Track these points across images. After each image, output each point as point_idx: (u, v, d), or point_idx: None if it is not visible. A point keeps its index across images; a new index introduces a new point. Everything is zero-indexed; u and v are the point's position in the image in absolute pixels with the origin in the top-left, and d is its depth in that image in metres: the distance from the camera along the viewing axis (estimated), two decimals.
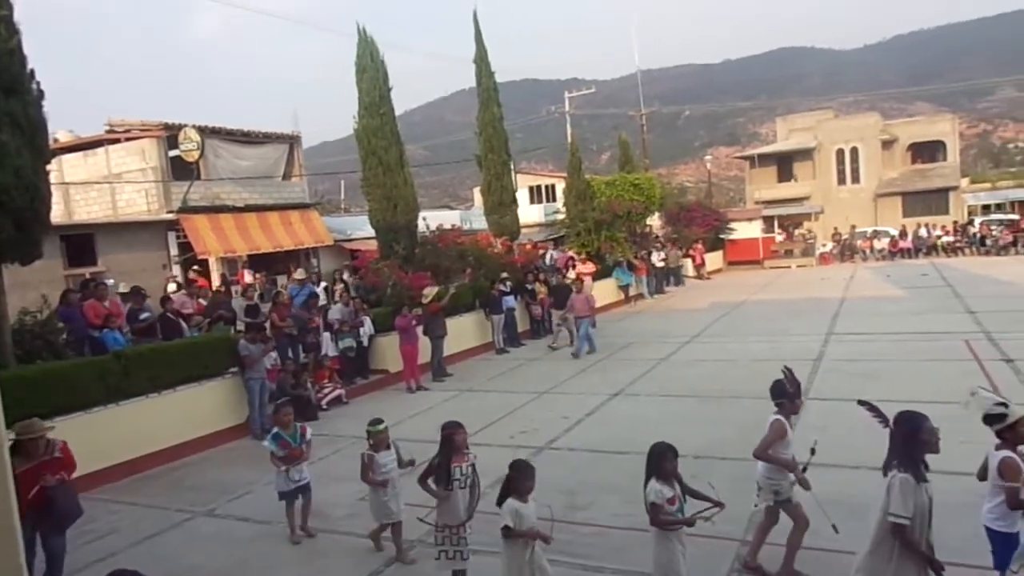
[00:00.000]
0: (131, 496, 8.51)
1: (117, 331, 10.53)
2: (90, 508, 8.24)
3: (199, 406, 10.46)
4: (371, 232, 19.07)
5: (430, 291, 14.49)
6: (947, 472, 6.91)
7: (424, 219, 18.96)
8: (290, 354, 12.52)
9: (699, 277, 30.51)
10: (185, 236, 19.46)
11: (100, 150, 20.91)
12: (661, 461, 4.80)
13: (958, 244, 33.04)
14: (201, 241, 19.37)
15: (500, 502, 4.80)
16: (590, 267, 22.84)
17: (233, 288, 17.35)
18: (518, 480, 4.80)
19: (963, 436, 7.90)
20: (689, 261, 30.91)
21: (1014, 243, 31.12)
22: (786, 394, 5.55)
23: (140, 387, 9.80)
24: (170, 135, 19.93)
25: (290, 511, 6.81)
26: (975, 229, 34.12)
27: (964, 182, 44.85)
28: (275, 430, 6.83)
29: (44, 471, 5.62)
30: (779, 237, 37.50)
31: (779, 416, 5.50)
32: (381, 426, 6.18)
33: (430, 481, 5.34)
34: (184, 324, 11.81)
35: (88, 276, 14.51)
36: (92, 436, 8.96)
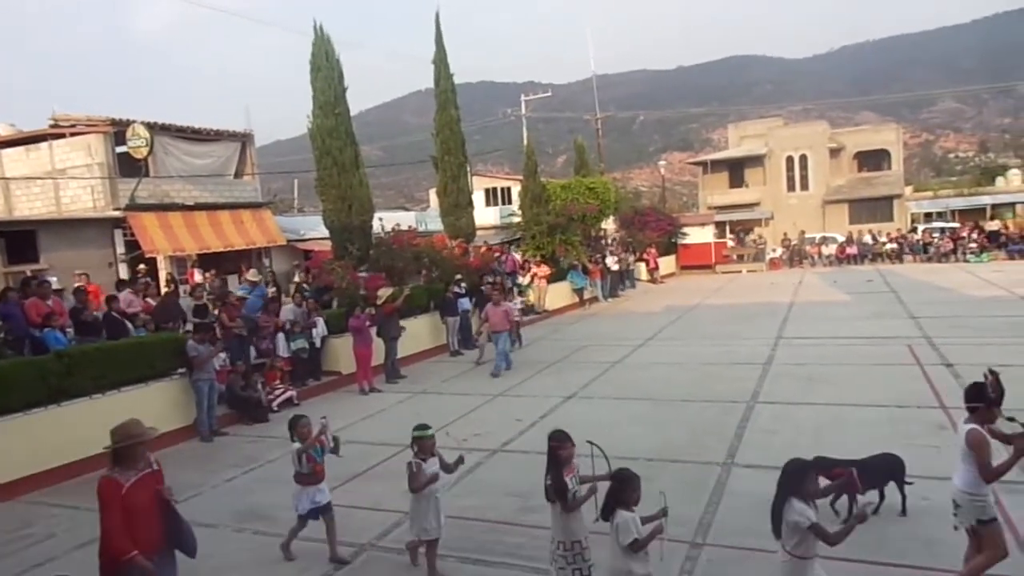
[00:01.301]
0: (72, 499, 8.23)
1: (59, 330, 10.19)
2: (28, 512, 8.00)
3: (145, 407, 10.13)
4: (325, 232, 18.87)
5: (384, 292, 14.37)
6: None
7: (380, 220, 18.81)
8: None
9: (653, 281, 30.88)
10: (132, 234, 18.97)
11: (43, 145, 20.26)
12: (803, 480, 4.22)
13: (902, 251, 34.07)
14: (149, 239, 18.91)
15: (605, 516, 4.45)
16: (545, 270, 22.93)
17: (181, 288, 16.96)
18: (625, 491, 4.44)
19: (904, 439, 8.19)
20: (643, 265, 31.27)
21: (954, 250, 32.23)
22: (984, 398, 4.97)
23: (83, 387, 9.50)
24: (117, 131, 19.41)
25: (299, 528, 6.30)
26: (918, 236, 35.24)
27: (908, 190, 46.33)
28: (299, 446, 6.20)
29: (155, 484, 4.52)
30: (730, 242, 38.22)
31: (974, 425, 4.84)
32: (429, 431, 5.73)
33: (567, 501, 4.82)
34: (129, 324, 11.49)
35: (29, 274, 14.03)
36: (32, 438, 8.71)
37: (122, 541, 4.19)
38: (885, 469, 6.32)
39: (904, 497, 6.28)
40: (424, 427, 5.76)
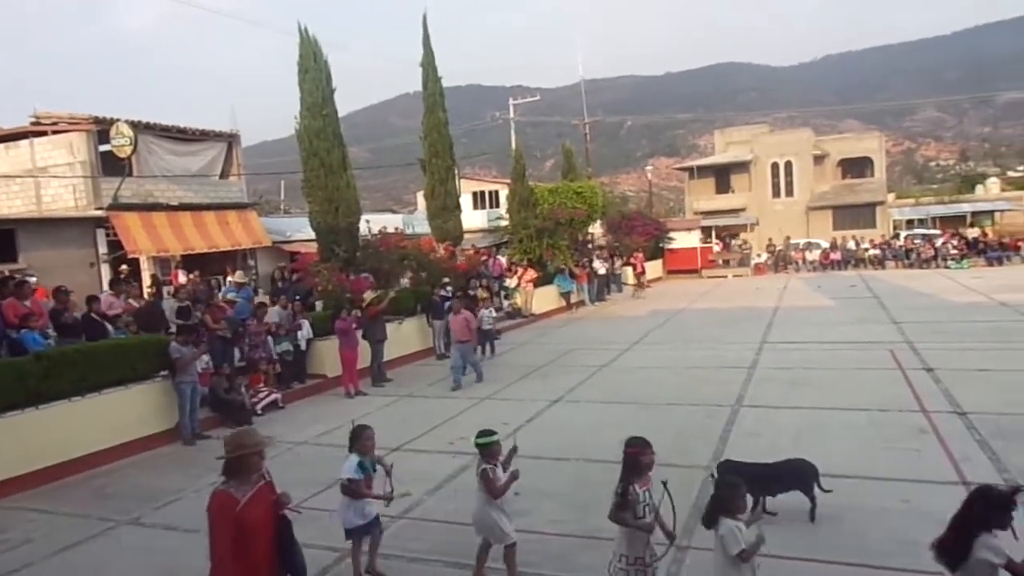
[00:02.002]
0: (49, 504, 8.12)
1: (38, 332, 10.05)
2: (4, 517, 7.87)
3: (126, 410, 10.07)
4: (311, 234, 18.77)
5: (370, 294, 14.32)
6: (871, 477, 7.19)
7: (367, 222, 18.74)
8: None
9: (639, 285, 30.96)
10: (115, 234, 18.78)
11: (24, 143, 20.04)
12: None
13: (884, 257, 34.38)
14: (132, 239, 18.73)
15: (709, 524, 4.23)
16: (532, 274, 22.94)
17: (165, 289, 16.82)
18: (731, 499, 4.20)
19: (885, 442, 8.25)
20: (630, 269, 31.35)
21: (935, 257, 32.56)
22: None
23: (63, 390, 9.36)
24: (101, 129, 19.22)
25: (358, 549, 5.86)
26: (900, 243, 35.59)
27: (890, 197, 46.84)
28: (357, 459, 5.76)
29: (269, 496, 4.15)
30: (716, 247, 38.39)
31: None
32: (494, 437, 5.43)
33: (627, 515, 4.51)
34: (109, 325, 11.35)
35: (7, 273, 13.84)
36: (9, 441, 8.57)
37: (236, 571, 3.86)
38: (794, 474, 6.33)
39: (813, 505, 6.27)
40: (488, 433, 5.46)
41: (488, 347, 16.06)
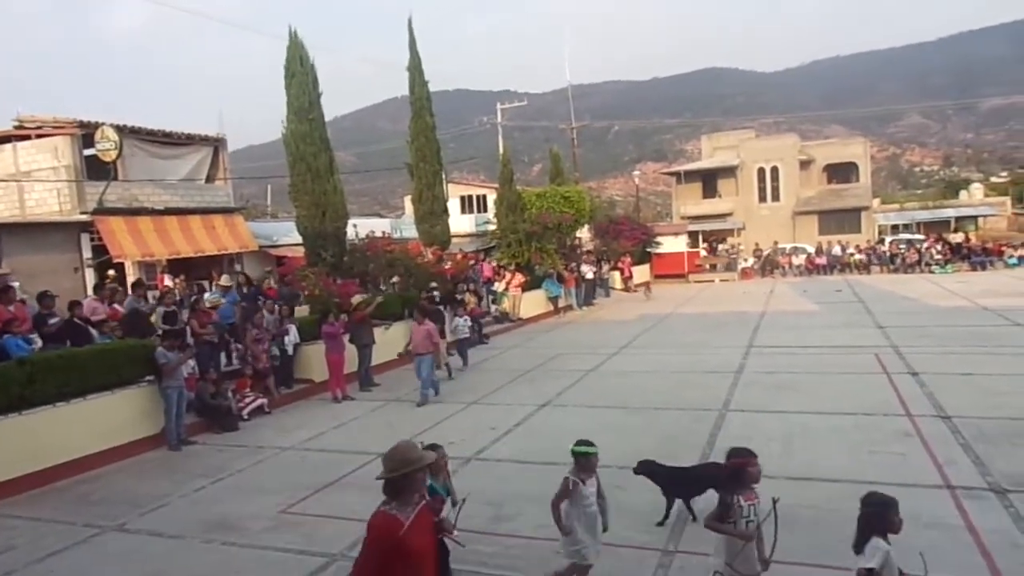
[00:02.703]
0: (33, 511, 8.04)
1: (21, 337, 9.94)
2: None
3: (112, 416, 10.00)
4: (298, 238, 18.71)
5: (359, 298, 14.28)
6: (858, 481, 7.22)
7: (354, 226, 18.71)
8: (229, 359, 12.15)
9: (626, 290, 31.06)
10: (100, 238, 18.65)
11: (8, 146, 19.87)
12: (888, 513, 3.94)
13: (870, 262, 34.66)
14: (117, 244, 18.60)
15: (860, 547, 3.90)
16: (520, 278, 22.96)
17: (151, 294, 16.69)
18: (884, 516, 3.91)
19: (870, 446, 8.31)
20: (617, 274, 31.46)
21: (919, 261, 32.86)
22: None
23: (47, 395, 9.28)
24: (86, 133, 19.08)
25: None
26: (885, 248, 35.89)
27: (875, 203, 47.21)
28: (428, 481, 5.11)
29: (430, 517, 3.90)
30: (703, 252, 38.56)
31: None
32: (593, 449, 5.04)
33: (726, 526, 4.33)
34: (94, 331, 11.25)
35: None
36: None
37: None
38: (709, 478, 6.35)
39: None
40: (588, 443, 5.07)
41: (462, 357, 15.60)
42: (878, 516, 3.90)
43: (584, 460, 5.00)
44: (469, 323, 16.28)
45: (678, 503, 6.54)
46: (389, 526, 3.42)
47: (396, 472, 3.52)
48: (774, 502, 4.17)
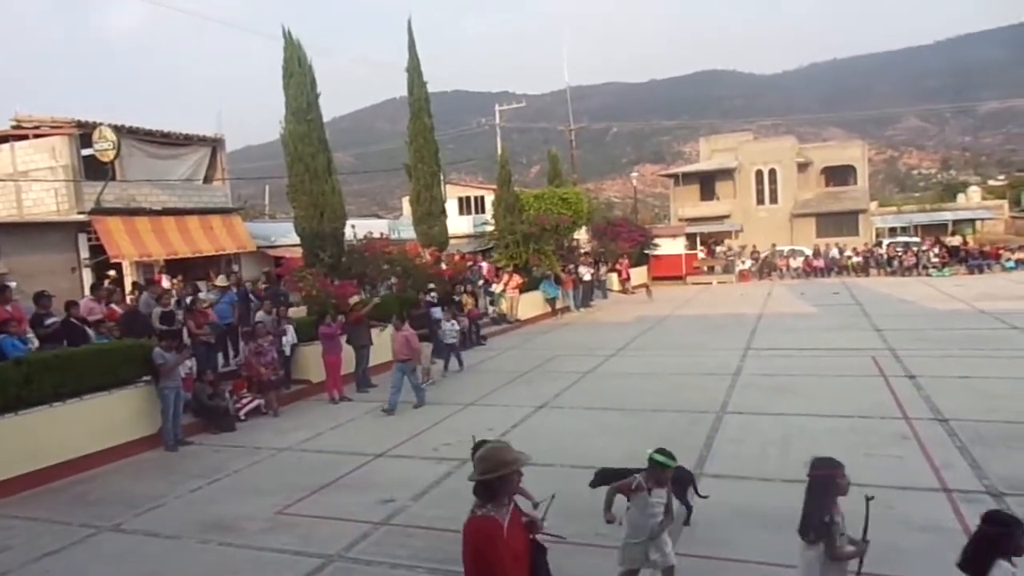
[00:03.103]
0: (29, 511, 8.03)
1: (17, 337, 9.92)
2: None
3: (108, 416, 9.98)
4: (296, 239, 18.69)
5: (356, 298, 14.27)
6: (855, 484, 7.22)
7: (352, 227, 18.69)
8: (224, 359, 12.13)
9: (624, 291, 31.08)
10: (98, 238, 18.63)
11: (5, 146, 19.86)
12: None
13: (867, 264, 34.70)
14: (114, 244, 18.58)
15: (981, 570, 3.56)
16: (518, 279, 22.96)
17: (147, 293, 16.67)
18: (1011, 536, 3.55)
19: (867, 449, 8.32)
20: (615, 275, 31.47)
21: (916, 264, 32.91)
22: None
23: (43, 396, 9.27)
24: (83, 133, 19.07)
25: None
26: (883, 250, 35.93)
27: (873, 205, 47.28)
28: None
29: (521, 520, 3.67)
30: (701, 254, 38.57)
31: None
32: (672, 461, 4.82)
33: (848, 548, 4.09)
34: (90, 331, 11.23)
35: None
36: None
37: None
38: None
39: (688, 511, 6.42)
40: (668, 454, 4.82)
41: (456, 360, 15.28)
42: (1005, 536, 3.57)
43: (658, 470, 4.78)
44: (456, 327, 15.79)
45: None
46: (490, 529, 3.35)
47: (492, 474, 3.39)
48: (867, 501, 4.02)
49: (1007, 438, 8.32)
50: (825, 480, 4.13)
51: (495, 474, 3.39)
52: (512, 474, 3.44)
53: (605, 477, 5.99)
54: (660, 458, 4.78)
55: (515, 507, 3.57)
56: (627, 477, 5.00)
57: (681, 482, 6.32)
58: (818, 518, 4.05)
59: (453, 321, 15.57)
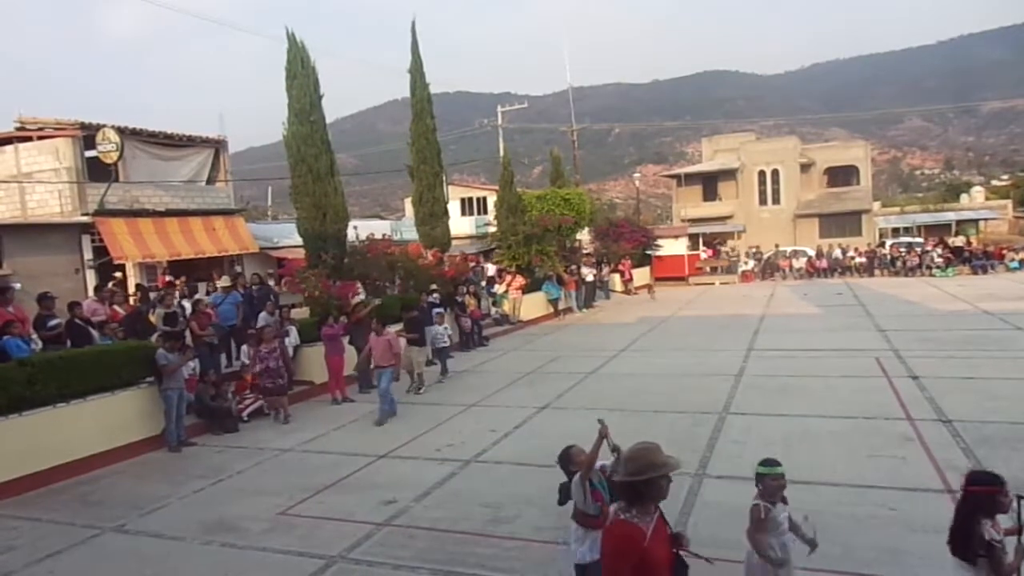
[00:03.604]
0: (33, 511, 8.05)
1: (20, 338, 9.94)
2: None
3: (111, 417, 10.00)
4: (299, 240, 18.72)
5: (358, 299, 14.27)
6: (857, 485, 7.23)
7: (354, 228, 18.71)
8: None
9: (627, 292, 31.06)
10: (101, 240, 18.67)
11: (9, 148, 19.91)
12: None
13: (871, 265, 34.64)
14: (118, 245, 18.62)
15: (967, 539, 3.63)
16: (520, 280, 22.96)
17: (151, 295, 16.70)
18: (994, 494, 3.64)
19: (871, 450, 8.31)
20: (617, 276, 31.45)
21: (920, 265, 32.85)
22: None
23: (47, 396, 9.29)
24: (87, 135, 19.12)
25: None
26: (886, 251, 35.87)
27: (876, 206, 47.22)
28: (581, 478, 4.78)
29: (665, 530, 3.42)
30: (704, 255, 38.53)
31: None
32: (779, 468, 4.51)
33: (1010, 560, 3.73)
34: (94, 331, 11.26)
35: None
36: None
37: None
38: None
39: None
40: (772, 463, 4.54)
41: (442, 366, 14.81)
42: (988, 495, 3.69)
43: (766, 481, 4.49)
44: (448, 331, 15.43)
45: None
46: (632, 536, 3.14)
47: (641, 476, 3.19)
48: (1019, 501, 3.67)
49: (1011, 439, 8.31)
50: (985, 498, 3.81)
51: (643, 476, 3.19)
52: (661, 478, 3.23)
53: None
54: (766, 470, 4.52)
55: (661, 516, 3.34)
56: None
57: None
58: (977, 536, 3.72)
59: (445, 325, 15.36)
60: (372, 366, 12.19)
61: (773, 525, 4.44)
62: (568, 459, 5.18)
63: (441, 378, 14.54)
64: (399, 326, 16.28)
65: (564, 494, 5.72)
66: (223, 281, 17.12)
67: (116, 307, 13.12)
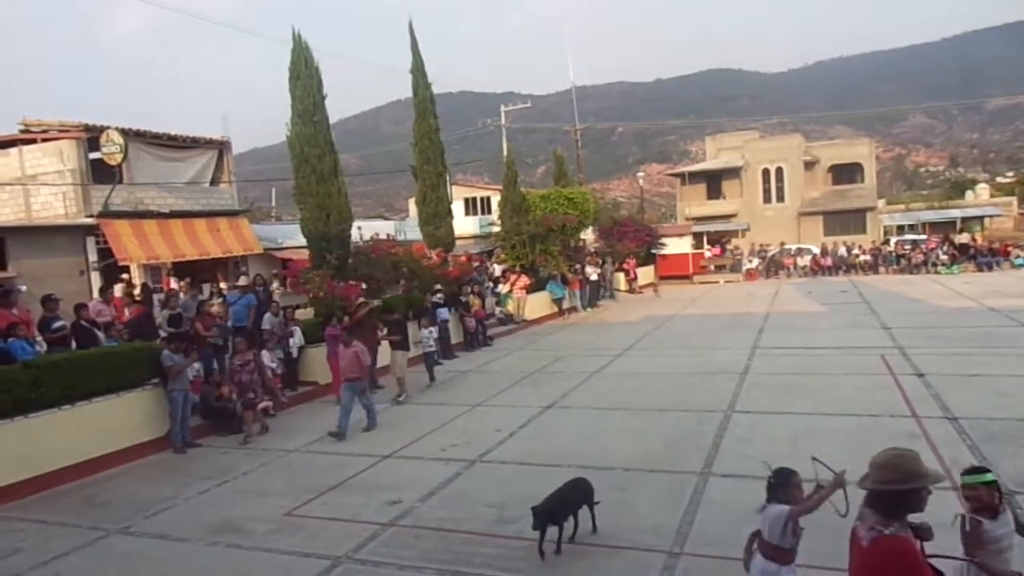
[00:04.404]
0: (39, 513, 8.06)
1: (25, 340, 9.96)
2: None
3: (116, 419, 10.02)
4: (303, 241, 18.72)
5: (361, 300, 14.26)
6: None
7: (358, 229, 18.71)
8: (215, 364, 12.16)
9: (631, 291, 31.02)
10: (105, 242, 18.71)
11: (13, 150, 19.93)
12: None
13: (876, 262, 34.56)
14: (122, 247, 18.65)
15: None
16: (524, 280, 22.94)
17: (156, 296, 16.74)
18: (785, 485, 3.65)
19: (876, 448, 8.26)
20: (622, 275, 31.42)
21: (925, 262, 32.76)
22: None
23: (52, 399, 9.31)
24: (91, 137, 19.14)
25: None
26: (891, 248, 35.77)
27: (880, 203, 47.14)
28: (781, 508, 4.37)
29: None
30: (708, 253, 38.49)
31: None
32: (989, 476, 4.01)
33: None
34: (100, 333, 11.29)
35: None
36: None
37: None
38: (580, 496, 6.33)
39: (594, 517, 6.41)
40: (981, 471, 4.09)
41: (429, 373, 14.28)
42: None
43: (973, 491, 4.01)
44: (435, 335, 14.90)
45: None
46: (911, 551, 2.87)
47: (902, 485, 2.92)
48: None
49: (1017, 436, 8.27)
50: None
51: (905, 486, 2.92)
52: (923, 489, 2.94)
53: (548, 515, 5.84)
54: (970, 479, 4.05)
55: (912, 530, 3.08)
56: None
57: (587, 495, 6.31)
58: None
59: (432, 328, 14.83)
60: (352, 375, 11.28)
61: (990, 539, 3.85)
62: (786, 482, 4.52)
63: (428, 386, 13.98)
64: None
65: (541, 518, 5.75)
66: (241, 280, 17.15)
67: (125, 310, 13.15)
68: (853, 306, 22.01)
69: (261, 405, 11.96)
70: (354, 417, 10.84)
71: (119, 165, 19.09)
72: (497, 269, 24.86)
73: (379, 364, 14.25)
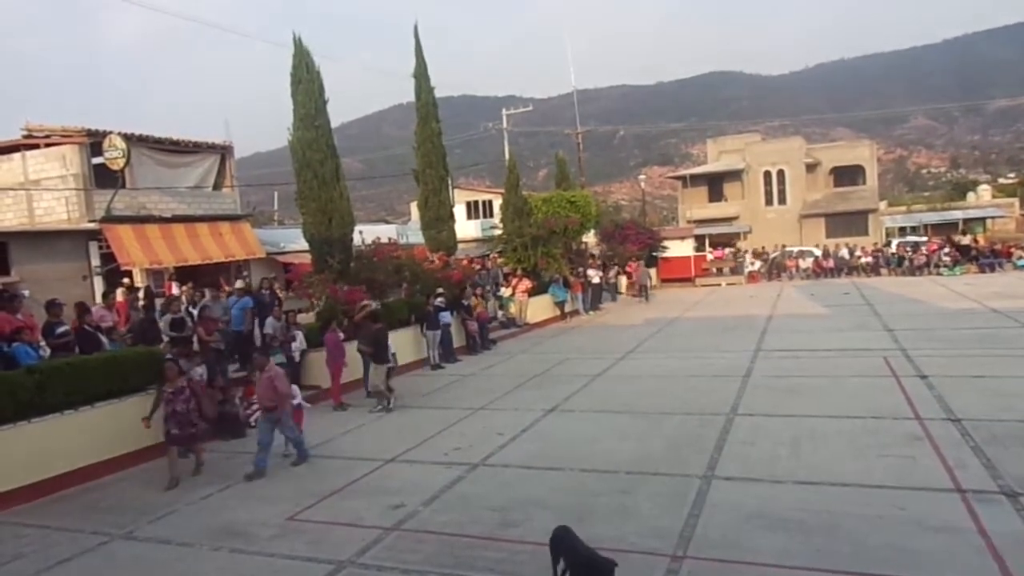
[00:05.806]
0: (41, 519, 8.06)
1: (29, 345, 9.98)
2: None
3: (120, 423, 10.01)
4: (305, 245, 18.76)
5: (364, 303, 14.27)
6: (866, 485, 7.19)
7: (360, 233, 18.74)
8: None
9: (634, 294, 31.00)
10: (108, 246, 18.74)
11: (16, 155, 19.97)
12: None
13: (878, 264, 34.53)
14: (125, 252, 18.67)
15: None
16: (527, 283, 22.95)
17: (158, 301, 16.75)
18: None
19: (879, 450, 8.27)
20: (624, 278, 31.42)
21: (927, 264, 32.72)
22: None
23: (55, 403, 9.31)
24: (93, 142, 19.17)
25: None
26: (893, 250, 35.75)
27: (882, 205, 47.13)
28: None
29: None
30: (710, 255, 38.49)
31: None
32: None
33: None
34: (103, 338, 11.30)
35: (0, 287, 13.78)
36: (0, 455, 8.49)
37: None
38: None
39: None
40: None
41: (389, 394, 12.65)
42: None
43: None
44: (393, 349, 13.29)
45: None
46: None
47: None
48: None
49: (1021, 437, 8.25)
50: None
51: None
52: None
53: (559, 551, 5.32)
54: None
55: None
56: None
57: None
58: None
59: (389, 344, 13.15)
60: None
61: None
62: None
63: (391, 404, 12.52)
64: (403, 329, 16.39)
65: (556, 547, 5.36)
66: (237, 284, 17.16)
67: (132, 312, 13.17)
68: (855, 308, 21.99)
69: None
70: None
71: (122, 170, 19.12)
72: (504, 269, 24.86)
73: (344, 379, 13.55)
